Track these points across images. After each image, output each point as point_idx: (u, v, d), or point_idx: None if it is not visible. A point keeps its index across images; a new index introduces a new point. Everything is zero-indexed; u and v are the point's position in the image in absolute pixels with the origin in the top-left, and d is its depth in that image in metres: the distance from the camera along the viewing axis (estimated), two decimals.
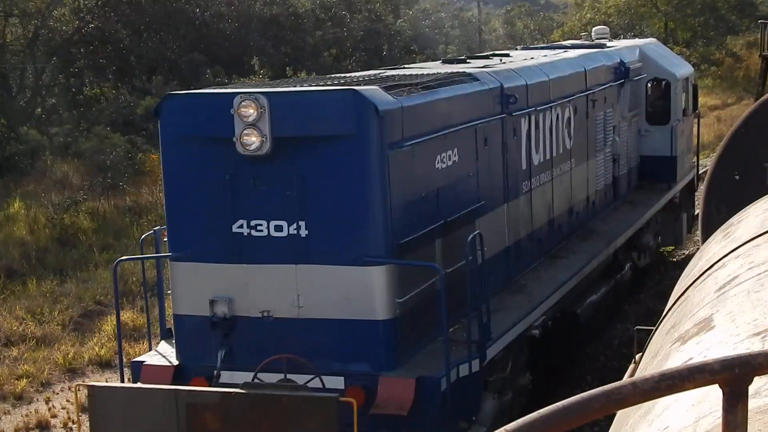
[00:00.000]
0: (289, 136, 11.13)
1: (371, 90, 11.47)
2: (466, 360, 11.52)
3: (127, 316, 20.00)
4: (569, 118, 17.31)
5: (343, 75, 15.99)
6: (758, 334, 3.98)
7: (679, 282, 6.95)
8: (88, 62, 47.27)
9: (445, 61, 17.76)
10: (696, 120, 24.35)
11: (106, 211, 29.16)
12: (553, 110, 16.50)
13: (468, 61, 17.28)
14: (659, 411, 3.71)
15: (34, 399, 16.87)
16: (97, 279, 22.48)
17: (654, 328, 6.20)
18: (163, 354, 12.58)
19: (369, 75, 15.06)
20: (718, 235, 7.10)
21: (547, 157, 16.34)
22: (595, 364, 17.68)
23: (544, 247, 16.22)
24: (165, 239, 12.45)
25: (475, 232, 12.11)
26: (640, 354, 6.59)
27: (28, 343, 18.85)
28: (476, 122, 13.60)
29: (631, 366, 7.61)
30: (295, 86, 12.25)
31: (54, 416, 16.24)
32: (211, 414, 10.02)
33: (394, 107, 11.51)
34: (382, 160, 11.30)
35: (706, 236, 8.65)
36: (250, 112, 11.02)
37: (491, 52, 20.83)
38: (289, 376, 11.15)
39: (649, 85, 22.17)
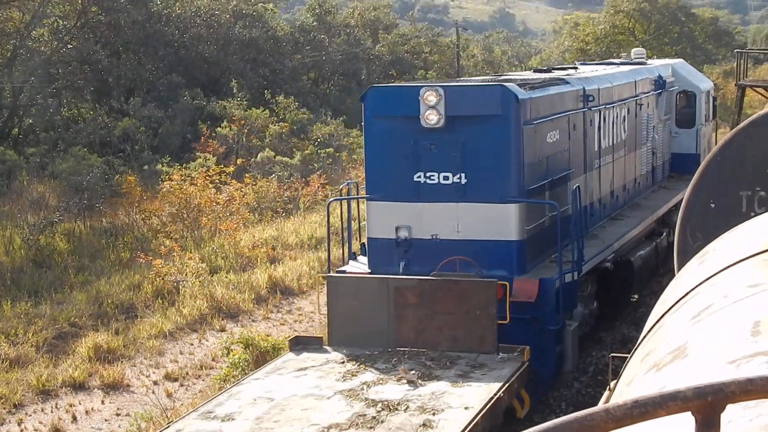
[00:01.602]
0: (457, 115, 16.26)
1: (512, 85, 16.73)
2: (570, 271, 16.66)
3: (101, 338, 19.90)
4: (624, 116, 22.42)
5: (483, 77, 24.33)
6: (733, 362, 3.99)
7: (654, 309, 6.96)
8: (67, 83, 47.21)
9: (535, 71, 24.06)
10: (714, 125, 29.51)
11: (82, 232, 29.06)
12: (614, 109, 21.60)
13: (551, 70, 23.11)
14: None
15: (7, 420, 16.75)
16: (72, 301, 22.36)
17: (629, 356, 6.20)
18: (356, 267, 17.67)
19: (497, 77, 21.59)
20: (693, 262, 7.12)
21: (610, 143, 21.47)
22: (570, 391, 17.69)
23: (607, 211, 21.37)
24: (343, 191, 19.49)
25: (576, 185, 18.01)
26: (615, 381, 6.59)
27: (2, 364, 18.72)
28: (569, 112, 18.84)
29: (606, 393, 7.61)
30: (460, 83, 18.43)
31: None
32: (411, 293, 15.25)
33: (526, 97, 16.72)
34: (518, 133, 16.48)
35: (681, 264, 8.67)
36: (432, 98, 16.19)
37: (564, 65, 28.27)
38: None
39: (679, 95, 26.90)
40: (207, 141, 39.86)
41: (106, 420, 16.87)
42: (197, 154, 37.85)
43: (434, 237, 16.66)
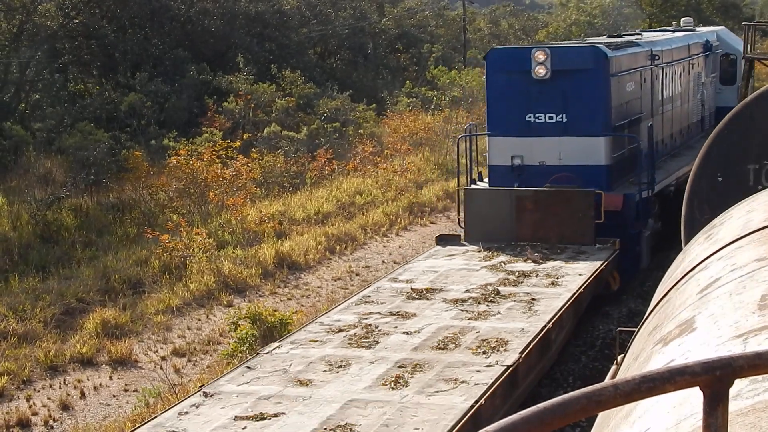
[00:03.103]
0: (560, 69, 21.07)
1: (602, 46, 21.97)
2: (645, 189, 21.31)
3: (109, 313, 19.93)
4: (680, 73, 27.08)
5: (572, 41, 34.90)
6: (740, 336, 3.99)
7: (661, 283, 6.96)
8: (73, 58, 47.15)
9: (609, 36, 28.96)
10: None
11: (89, 207, 29.08)
12: (673, 67, 26.26)
13: (622, 36, 28.12)
14: (640, 413, 3.71)
15: (15, 396, 16.81)
16: (80, 276, 22.39)
17: (636, 330, 6.20)
18: (479, 187, 22.42)
19: (583, 41, 29.00)
20: (700, 236, 7.10)
21: (670, 95, 26.07)
22: (578, 365, 17.70)
23: (667, 149, 25.65)
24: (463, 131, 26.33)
25: (650, 123, 23.07)
26: (622, 355, 6.58)
27: (10, 340, 18.77)
28: (641, 68, 23.60)
29: (613, 367, 7.61)
30: (561, 44, 26.08)
31: (35, 414, 16.18)
32: (529, 201, 20.43)
33: (612, 55, 21.71)
34: (607, 83, 21.35)
35: (688, 238, 8.65)
36: (541, 56, 21.14)
37: (632, 31, 32.86)
38: None
39: (722, 57, 31.18)
40: (213, 116, 39.80)
41: (114, 396, 16.92)
42: (204, 128, 37.80)
43: (541, 163, 21.47)
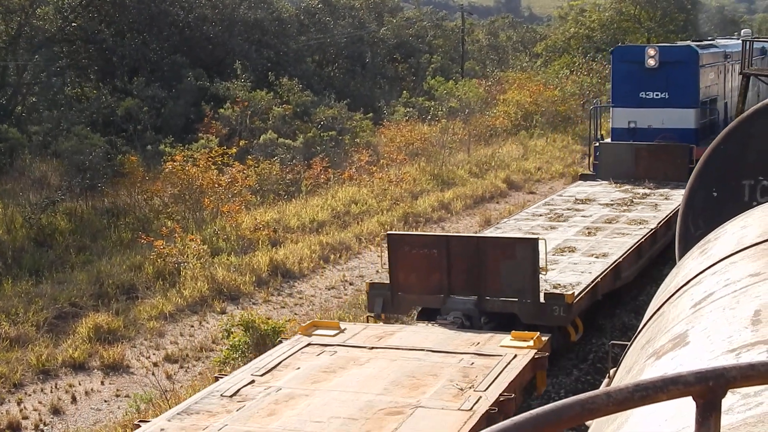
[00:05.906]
0: (664, 61, 30.43)
1: (694, 45, 32.40)
2: None
3: (102, 318, 19.91)
4: (739, 69, 34.15)
5: (673, 42, 47.58)
6: (733, 350, 3.99)
7: (655, 297, 6.96)
8: (71, 61, 47.16)
9: (693, 40, 38.96)
10: None
11: (84, 212, 29.04)
12: (738, 64, 33.49)
13: (700, 41, 37.84)
14: (633, 423, 3.71)
15: (6, 400, 16.77)
16: (73, 280, 22.35)
17: (629, 343, 6.20)
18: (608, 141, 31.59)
19: (675, 42, 45.67)
20: (694, 251, 7.11)
21: (736, 85, 33.73)
22: (569, 378, 17.69)
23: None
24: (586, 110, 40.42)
25: (725, 101, 33.97)
26: (615, 369, 6.58)
27: (2, 343, 18.73)
28: (718, 63, 33.43)
29: (606, 381, 7.60)
30: (665, 44, 38.88)
31: (25, 417, 16.14)
32: (644, 151, 29.15)
33: (702, 52, 31.39)
34: (697, 71, 30.71)
35: (682, 252, 8.65)
36: (652, 52, 30.86)
37: (708, 38, 43.46)
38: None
39: None
40: (210, 122, 39.80)
41: (105, 401, 16.89)
42: (200, 135, 37.78)
43: (649, 126, 30.42)
